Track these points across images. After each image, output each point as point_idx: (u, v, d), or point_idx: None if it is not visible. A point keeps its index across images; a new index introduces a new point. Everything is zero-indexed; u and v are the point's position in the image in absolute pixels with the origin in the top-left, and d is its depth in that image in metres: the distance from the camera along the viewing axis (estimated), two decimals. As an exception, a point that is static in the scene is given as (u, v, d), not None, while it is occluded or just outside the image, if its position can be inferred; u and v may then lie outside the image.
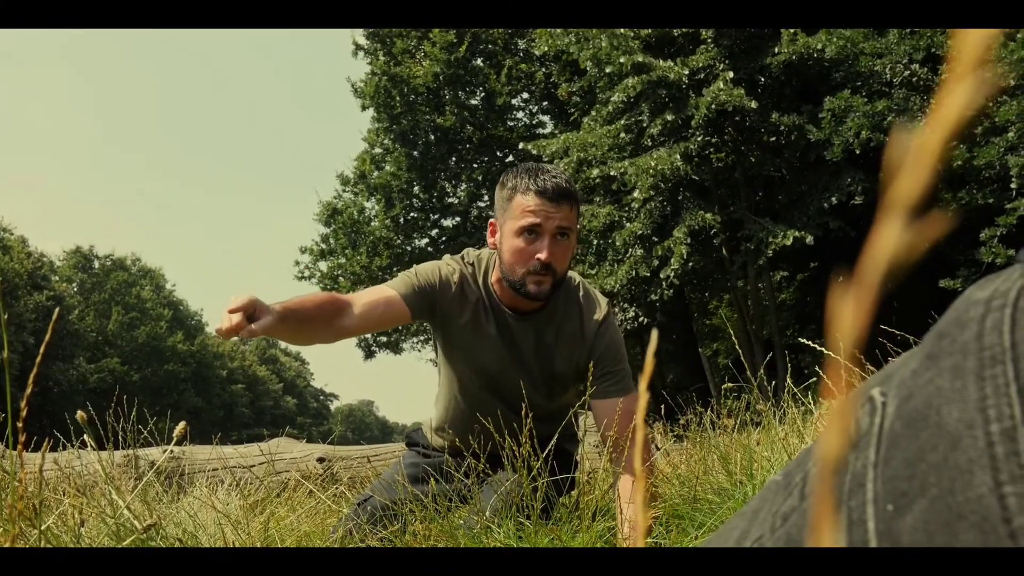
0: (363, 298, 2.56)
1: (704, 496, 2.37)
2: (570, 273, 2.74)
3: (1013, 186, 16.27)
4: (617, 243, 18.87)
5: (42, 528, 1.64)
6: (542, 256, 2.44)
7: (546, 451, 2.46)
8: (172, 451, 6.04)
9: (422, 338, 34.07)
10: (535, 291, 2.49)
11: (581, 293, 2.71)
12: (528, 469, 2.42)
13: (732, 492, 2.22)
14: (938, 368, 0.53)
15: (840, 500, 0.54)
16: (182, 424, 2.29)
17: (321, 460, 6.53)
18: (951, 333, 0.55)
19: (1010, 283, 0.54)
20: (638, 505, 1.81)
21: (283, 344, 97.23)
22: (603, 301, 2.72)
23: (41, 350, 1.23)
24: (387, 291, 2.62)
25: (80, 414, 2.17)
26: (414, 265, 2.75)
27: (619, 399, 2.60)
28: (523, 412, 2.72)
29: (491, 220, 2.63)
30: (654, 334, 0.58)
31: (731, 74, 18.05)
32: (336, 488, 4.84)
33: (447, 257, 2.78)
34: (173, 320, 59.13)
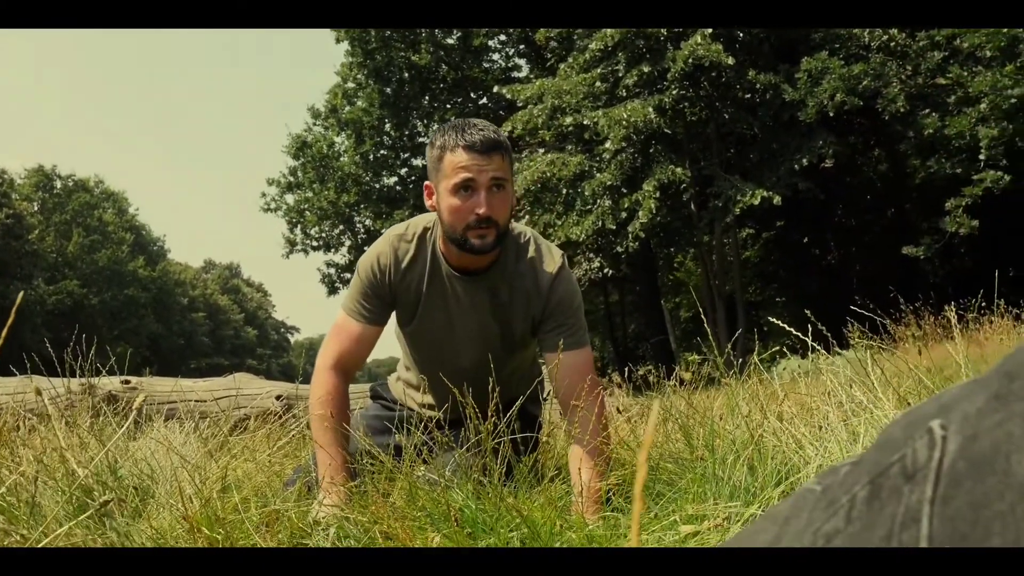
0: (342, 352, 2.68)
1: (664, 465, 2.39)
2: (522, 227, 2.72)
3: (982, 157, 16.40)
4: (586, 193, 18.87)
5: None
6: (480, 211, 2.41)
7: (508, 415, 2.46)
8: (130, 381, 6.01)
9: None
10: (479, 244, 2.46)
11: (532, 247, 2.67)
12: (490, 430, 2.42)
13: (692, 464, 2.24)
14: (1008, 412, 0.52)
15: (891, 532, 0.53)
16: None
17: (279, 398, 6.52)
18: (1022, 376, 0.54)
19: None
20: (594, 472, 1.82)
21: (246, 274, 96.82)
22: (557, 254, 2.69)
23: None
24: (350, 327, 2.70)
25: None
26: (358, 262, 2.74)
27: (572, 352, 2.60)
28: (483, 371, 2.73)
29: (426, 183, 2.60)
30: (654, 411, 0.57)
31: (710, 29, 17.98)
32: (296, 428, 4.81)
33: (387, 233, 2.75)
34: (135, 245, 58.47)
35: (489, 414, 2.38)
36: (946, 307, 12.95)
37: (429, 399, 2.85)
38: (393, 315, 2.81)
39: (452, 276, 2.63)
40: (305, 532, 2.05)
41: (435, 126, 28.37)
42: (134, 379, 6.16)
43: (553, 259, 2.66)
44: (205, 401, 6.34)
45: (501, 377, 2.81)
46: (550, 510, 2.14)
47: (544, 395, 3.07)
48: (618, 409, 3.00)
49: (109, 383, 5.96)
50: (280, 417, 6.42)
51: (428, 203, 2.60)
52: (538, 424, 2.99)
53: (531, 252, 2.65)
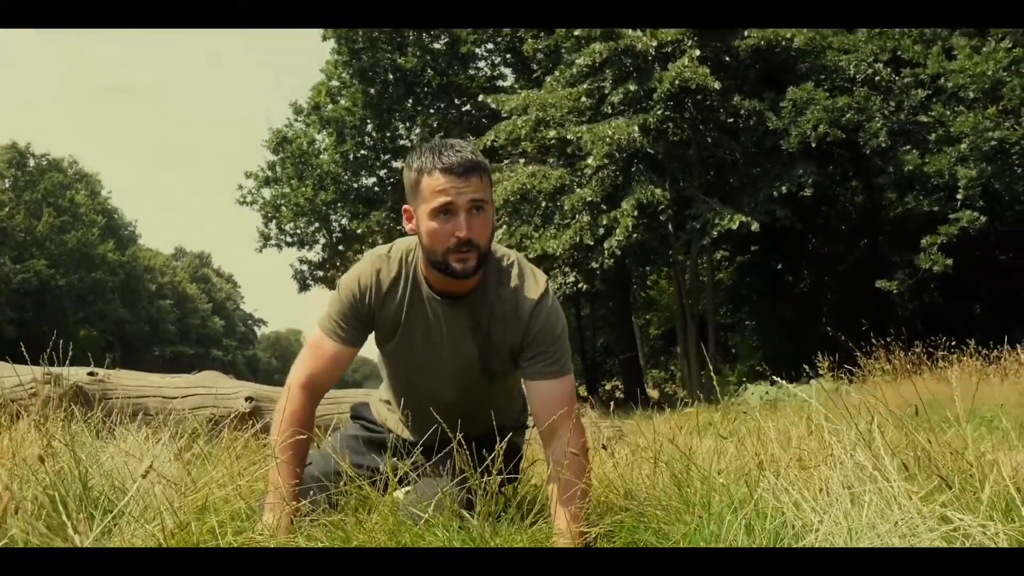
0: (315, 370, 2.65)
1: (652, 512, 2.35)
2: (506, 251, 2.68)
3: (959, 196, 16.56)
4: (565, 207, 18.87)
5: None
6: (461, 234, 2.36)
7: (494, 449, 2.41)
8: (97, 373, 5.91)
9: (359, 276, 33.83)
10: (461, 269, 2.41)
11: (515, 272, 2.62)
12: (474, 460, 2.38)
13: (682, 514, 2.19)
14: None
15: None
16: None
17: (249, 399, 6.43)
18: None
19: None
20: (573, 515, 1.78)
21: (216, 263, 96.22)
22: (541, 279, 2.64)
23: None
24: (325, 345, 2.65)
25: None
26: (337, 282, 2.69)
27: (553, 380, 2.56)
28: (463, 397, 2.69)
29: (405, 207, 2.54)
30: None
31: (698, 52, 18.09)
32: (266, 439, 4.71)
33: (369, 254, 2.70)
34: (106, 228, 57.87)
35: (463, 441, 2.35)
36: (916, 343, 13.02)
37: (409, 423, 2.80)
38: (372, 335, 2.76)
39: (433, 300, 2.58)
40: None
41: (415, 137, 28.36)
42: (101, 371, 6.04)
43: (537, 284, 2.61)
44: (173, 398, 6.25)
45: (481, 404, 2.76)
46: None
47: (528, 422, 3.01)
48: (604, 446, 2.94)
49: (75, 374, 5.86)
50: (249, 420, 6.34)
51: (407, 227, 2.55)
52: (518, 451, 2.95)
53: (514, 277, 2.60)
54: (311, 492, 2.53)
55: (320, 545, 2.07)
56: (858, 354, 15.60)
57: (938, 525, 1.69)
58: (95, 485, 2.54)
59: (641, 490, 2.65)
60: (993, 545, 1.63)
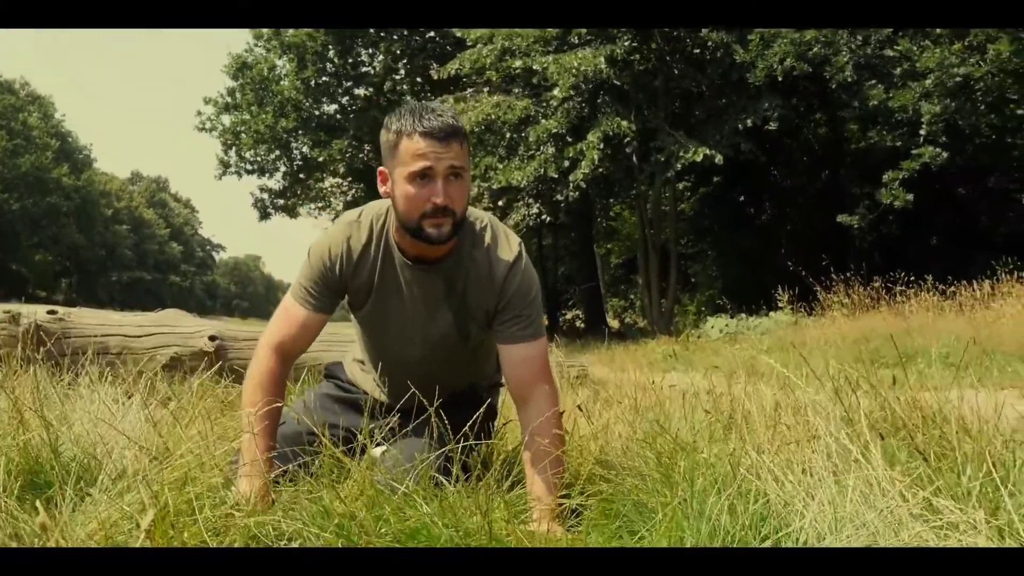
0: (285, 336, 2.63)
1: (630, 481, 2.35)
2: (480, 213, 2.65)
3: (922, 132, 16.62)
4: (530, 138, 18.75)
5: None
6: (438, 200, 2.33)
7: (476, 417, 2.42)
8: (57, 311, 5.82)
9: (320, 204, 33.57)
10: (436, 235, 2.38)
11: (489, 235, 2.59)
12: (447, 425, 2.38)
13: (659, 484, 2.20)
14: None
15: None
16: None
17: (213, 338, 6.37)
18: None
19: None
20: (548, 483, 1.79)
21: (173, 188, 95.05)
22: (514, 241, 2.61)
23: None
24: (296, 312, 2.63)
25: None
26: (309, 248, 2.65)
27: (527, 343, 2.55)
28: (436, 361, 2.69)
29: (380, 168, 2.50)
30: None
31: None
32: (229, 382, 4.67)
33: (340, 220, 2.66)
34: (60, 152, 56.85)
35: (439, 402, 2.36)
36: (875, 278, 13.22)
37: (384, 387, 2.79)
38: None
39: (405, 265, 2.56)
40: (263, 543, 1.98)
41: (378, 64, 27.87)
42: (61, 309, 5.96)
43: (510, 247, 2.59)
44: (135, 337, 6.17)
45: (455, 366, 2.76)
46: (515, 525, 2.11)
47: (501, 381, 3.01)
48: (580, 407, 2.95)
49: (35, 312, 5.76)
50: (214, 361, 6.29)
51: (382, 189, 2.50)
52: (493, 410, 2.95)
53: (487, 240, 2.58)
54: (285, 452, 2.52)
55: (298, 519, 2.05)
56: (817, 288, 15.79)
57: (922, 512, 1.71)
58: (66, 452, 2.51)
59: (617, 454, 2.66)
60: (972, 528, 1.65)
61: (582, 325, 29.83)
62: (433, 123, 2.33)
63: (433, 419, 2.39)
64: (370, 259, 2.58)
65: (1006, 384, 8.55)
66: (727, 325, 17.46)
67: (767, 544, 1.76)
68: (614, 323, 32.32)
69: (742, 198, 25.25)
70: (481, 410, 2.48)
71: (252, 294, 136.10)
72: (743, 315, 17.66)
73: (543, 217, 20.72)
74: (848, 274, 15.48)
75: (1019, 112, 17.25)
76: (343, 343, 4.72)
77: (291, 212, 33.10)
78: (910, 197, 16.71)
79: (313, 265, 2.59)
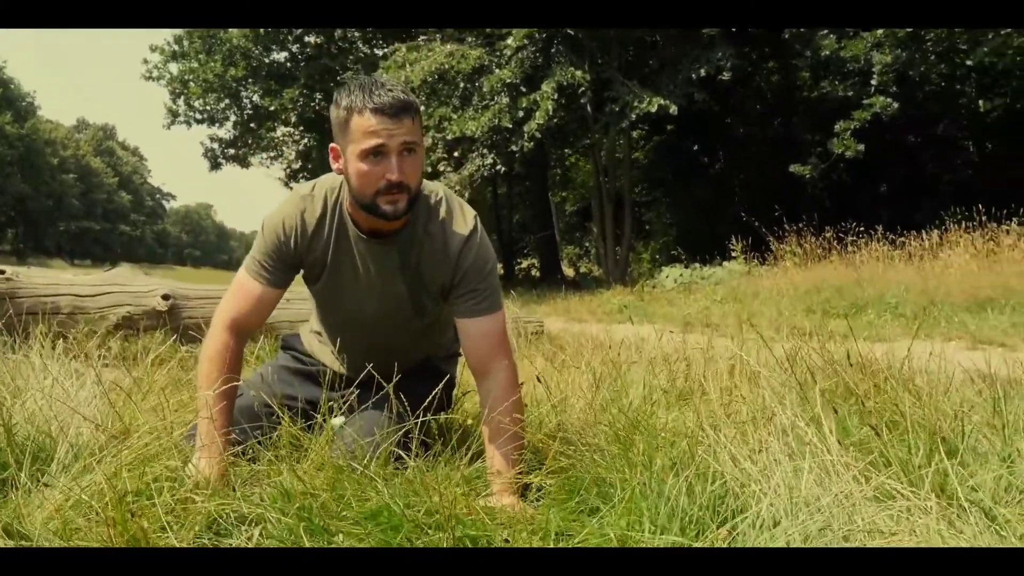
0: (240, 312, 2.61)
1: (591, 458, 2.38)
2: (435, 186, 2.63)
3: (874, 82, 16.75)
4: (484, 88, 18.61)
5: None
6: (392, 176, 2.31)
7: (435, 393, 2.43)
8: (5, 271, 5.74)
9: (272, 154, 33.12)
10: (391, 211, 2.36)
11: (444, 209, 2.57)
12: (404, 397, 2.39)
13: (617, 460, 2.23)
14: None
15: None
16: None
17: (166, 297, 6.31)
18: None
19: None
20: (507, 458, 1.81)
21: (121, 136, 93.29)
22: (470, 215, 2.60)
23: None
24: (250, 287, 2.60)
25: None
26: (262, 221, 2.62)
27: (484, 317, 2.56)
28: (392, 334, 2.71)
29: (332, 145, 2.46)
30: None
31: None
32: (184, 349, 4.63)
33: (292, 194, 2.63)
34: (2, 100, 55.55)
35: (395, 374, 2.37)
36: (827, 228, 13.39)
37: (342, 358, 2.79)
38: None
39: (359, 238, 2.54)
40: (224, 527, 1.98)
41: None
42: (10, 269, 5.87)
43: (466, 221, 2.58)
44: (87, 296, 6.10)
45: (411, 339, 2.77)
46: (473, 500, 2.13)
47: (459, 351, 3.02)
48: (538, 378, 2.97)
49: (-15, 271, 5.65)
50: (168, 320, 6.23)
51: (334, 166, 2.48)
52: (451, 382, 2.96)
53: (442, 213, 2.57)
54: (243, 427, 2.52)
55: (257, 500, 2.06)
56: (770, 238, 15.96)
57: (876, 495, 1.76)
58: (19, 431, 2.48)
59: (576, 427, 2.68)
60: (918, 505, 1.70)
61: (537, 274, 29.85)
62: (384, 99, 2.30)
63: (391, 394, 2.40)
64: (324, 233, 2.56)
65: (953, 335, 8.75)
66: (681, 275, 17.58)
67: (726, 527, 1.79)
68: (569, 271, 32.39)
69: (696, 147, 25.33)
70: (441, 385, 2.50)
71: (204, 243, 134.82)
72: (697, 265, 17.80)
73: (498, 167, 20.64)
74: (800, 224, 15.65)
75: (968, 62, 17.40)
76: (303, 299, 4.70)
77: (242, 162, 32.61)
78: (861, 147, 16.89)
79: (267, 239, 2.57)
